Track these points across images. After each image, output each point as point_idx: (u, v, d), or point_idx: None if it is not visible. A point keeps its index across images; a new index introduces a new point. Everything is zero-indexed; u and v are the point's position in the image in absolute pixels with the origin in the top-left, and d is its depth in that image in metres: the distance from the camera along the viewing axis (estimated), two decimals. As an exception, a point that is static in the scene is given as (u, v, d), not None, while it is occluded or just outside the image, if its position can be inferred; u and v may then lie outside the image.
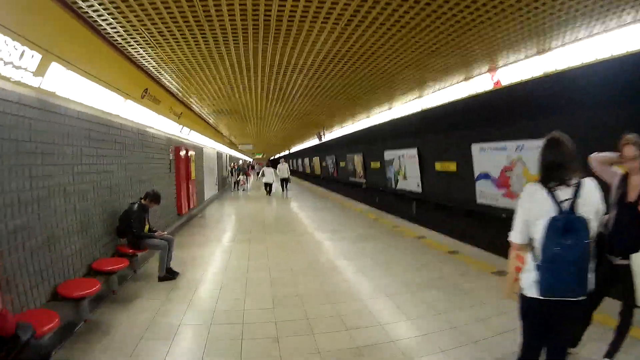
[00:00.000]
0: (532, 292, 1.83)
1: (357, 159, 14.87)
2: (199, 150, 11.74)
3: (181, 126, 8.51)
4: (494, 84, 5.64)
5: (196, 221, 9.68)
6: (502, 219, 6.75)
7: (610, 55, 3.93)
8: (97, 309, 3.73)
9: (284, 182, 16.56)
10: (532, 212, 1.83)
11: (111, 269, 4.07)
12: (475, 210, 7.58)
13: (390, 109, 9.11)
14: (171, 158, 7.97)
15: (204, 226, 9.16)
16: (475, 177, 7.44)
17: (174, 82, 6.08)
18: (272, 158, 56.83)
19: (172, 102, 7.16)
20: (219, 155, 17.30)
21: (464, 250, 6.21)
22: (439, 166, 8.77)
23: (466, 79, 6.16)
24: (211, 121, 11.47)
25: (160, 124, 7.00)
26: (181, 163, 8.57)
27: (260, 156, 42.61)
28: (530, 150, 6.12)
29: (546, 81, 4.87)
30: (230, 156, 23.31)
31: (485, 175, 7.24)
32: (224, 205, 13.52)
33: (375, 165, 12.91)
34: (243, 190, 18.85)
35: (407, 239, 7.10)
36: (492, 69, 5.57)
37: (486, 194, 7.25)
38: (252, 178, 24.56)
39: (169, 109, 7.08)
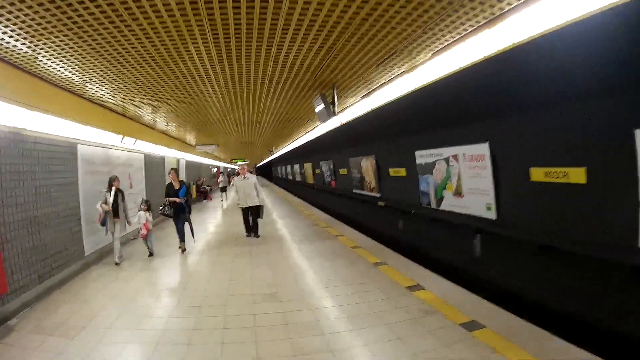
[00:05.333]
0: None
1: (366, 164, 10.89)
2: (62, 150, 5.83)
3: None
4: None
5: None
6: None
7: None
8: None
9: (249, 213, 8.28)
10: None
11: None
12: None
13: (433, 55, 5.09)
14: None
15: None
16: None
17: None
18: (257, 165, 51.69)
19: None
20: (150, 161, 11.08)
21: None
22: (539, 174, 4.85)
23: None
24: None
25: None
26: None
27: (243, 162, 37.84)
28: None
29: None
30: (188, 162, 17.13)
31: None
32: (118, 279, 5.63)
33: (398, 172, 8.96)
34: (150, 253, 7.01)
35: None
36: None
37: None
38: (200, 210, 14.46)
39: None
